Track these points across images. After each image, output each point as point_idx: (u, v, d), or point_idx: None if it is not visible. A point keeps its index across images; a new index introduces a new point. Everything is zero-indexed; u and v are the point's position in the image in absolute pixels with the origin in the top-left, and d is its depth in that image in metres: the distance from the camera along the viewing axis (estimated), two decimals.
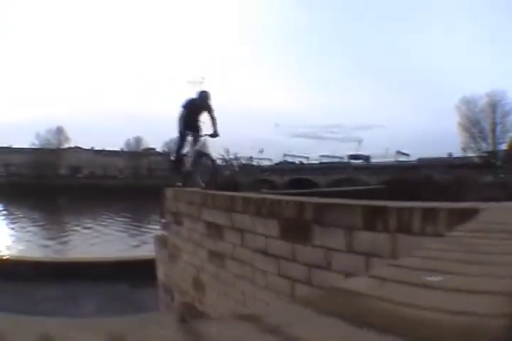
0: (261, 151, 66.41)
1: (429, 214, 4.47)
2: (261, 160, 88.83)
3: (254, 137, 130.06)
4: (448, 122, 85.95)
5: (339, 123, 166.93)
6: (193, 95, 11.59)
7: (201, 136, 11.42)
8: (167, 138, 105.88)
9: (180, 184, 11.95)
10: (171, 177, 13.63)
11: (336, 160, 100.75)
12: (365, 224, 4.99)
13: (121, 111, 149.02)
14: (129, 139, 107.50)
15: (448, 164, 76.47)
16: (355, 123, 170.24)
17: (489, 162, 72.28)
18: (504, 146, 76.71)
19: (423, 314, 1.00)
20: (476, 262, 1.64)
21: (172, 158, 13.38)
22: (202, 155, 11.10)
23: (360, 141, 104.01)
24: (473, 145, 78.62)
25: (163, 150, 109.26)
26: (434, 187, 43.01)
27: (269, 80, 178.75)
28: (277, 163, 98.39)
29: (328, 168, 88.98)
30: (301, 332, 0.86)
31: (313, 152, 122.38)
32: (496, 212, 3.99)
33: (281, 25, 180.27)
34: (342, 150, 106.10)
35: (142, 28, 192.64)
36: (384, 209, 4.96)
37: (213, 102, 11.59)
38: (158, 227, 30.34)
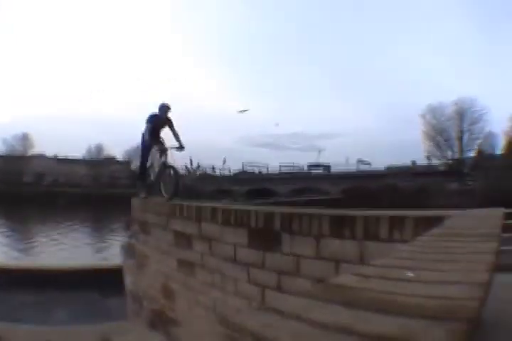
0: (224, 161, 66.86)
1: (396, 222, 4.80)
2: (222, 170, 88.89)
3: (213, 146, 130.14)
4: (413, 131, 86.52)
5: (300, 132, 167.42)
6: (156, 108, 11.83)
7: (166, 149, 11.59)
8: (127, 147, 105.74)
9: (144, 195, 12.06)
10: (136, 188, 13.66)
11: (296, 169, 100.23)
12: (332, 232, 5.25)
13: (84, 117, 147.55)
14: (90, 147, 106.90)
15: (412, 172, 76.63)
16: (317, 132, 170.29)
17: (456, 169, 72.68)
18: (472, 153, 77.79)
19: (406, 299, 1.17)
20: (447, 261, 1.85)
21: (137, 170, 13.71)
22: (166, 167, 11.31)
23: (320, 151, 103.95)
24: (438, 153, 79.28)
25: (124, 159, 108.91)
26: (397, 195, 43.78)
27: (231, 89, 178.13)
28: (236, 173, 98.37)
29: (288, 178, 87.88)
30: (316, 316, 1.03)
31: (273, 161, 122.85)
32: (458, 218, 4.32)
33: (240, 31, 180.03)
34: (303, 160, 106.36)
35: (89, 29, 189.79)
36: (351, 218, 5.26)
37: (174, 113, 12.09)
38: (121, 236, 30.35)
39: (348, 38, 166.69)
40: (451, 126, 77.32)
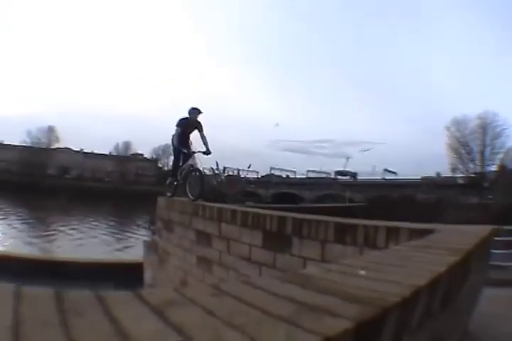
0: (249, 167, 67.09)
1: (392, 232, 5.24)
2: (248, 173, 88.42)
3: (243, 149, 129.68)
4: (439, 143, 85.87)
5: (329, 139, 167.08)
6: (186, 111, 12.21)
7: (194, 152, 12.03)
8: (156, 145, 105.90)
9: (170, 194, 12.47)
10: (164, 187, 14.05)
11: (323, 175, 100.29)
12: (336, 238, 5.76)
13: (114, 114, 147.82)
14: (118, 143, 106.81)
15: (435, 184, 76.29)
16: (345, 139, 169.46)
17: (477, 183, 72.19)
18: (493, 168, 76.87)
19: (347, 288, 1.61)
20: (399, 266, 2.32)
21: (165, 169, 14.08)
22: (193, 170, 11.71)
23: (348, 158, 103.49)
24: (460, 166, 78.65)
25: (151, 157, 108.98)
26: (414, 207, 43.35)
27: (260, 93, 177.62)
28: (264, 176, 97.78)
29: (314, 183, 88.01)
30: (277, 290, 1.51)
31: (300, 166, 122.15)
32: (446, 232, 4.64)
33: (275, 37, 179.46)
34: (330, 166, 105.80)
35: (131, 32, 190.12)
36: (353, 226, 5.74)
37: (204, 117, 12.32)
38: (143, 233, 30.64)
39: (382, 48, 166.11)
40: (474, 139, 77.00)
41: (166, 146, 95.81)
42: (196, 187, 11.25)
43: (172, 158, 13.35)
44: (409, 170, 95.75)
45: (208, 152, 11.96)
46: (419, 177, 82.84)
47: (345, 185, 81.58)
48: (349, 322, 1.25)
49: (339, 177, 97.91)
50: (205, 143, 12.04)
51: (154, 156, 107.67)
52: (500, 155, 76.56)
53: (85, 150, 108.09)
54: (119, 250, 25.97)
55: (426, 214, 23.31)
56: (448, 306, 2.92)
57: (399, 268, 2.33)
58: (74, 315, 1.07)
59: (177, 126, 11.97)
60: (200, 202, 10.22)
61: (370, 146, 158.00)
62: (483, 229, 5.15)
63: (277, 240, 6.85)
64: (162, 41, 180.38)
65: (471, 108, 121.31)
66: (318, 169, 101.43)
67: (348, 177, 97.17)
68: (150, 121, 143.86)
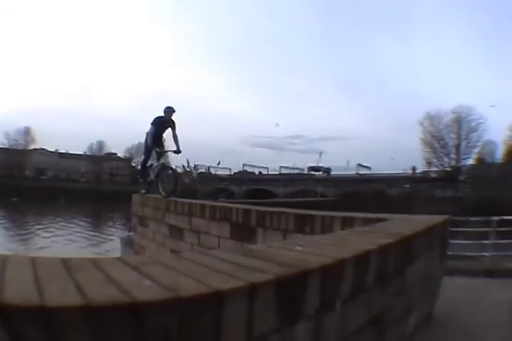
0: (218, 164, 67.19)
1: (347, 221, 5.68)
2: (220, 170, 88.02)
3: (214, 146, 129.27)
4: (414, 137, 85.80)
5: (301, 134, 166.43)
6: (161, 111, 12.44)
7: (166, 151, 12.62)
8: (129, 144, 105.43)
9: (144, 191, 12.73)
10: (136, 185, 14.48)
11: (296, 171, 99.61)
12: (296, 227, 6.27)
13: (87, 114, 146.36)
14: (92, 143, 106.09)
15: (410, 178, 76.84)
16: (318, 135, 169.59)
17: (452, 177, 72.35)
18: (469, 161, 77.54)
19: (283, 258, 2.09)
20: (334, 244, 2.83)
21: (138, 167, 14.33)
22: (166, 167, 12.20)
23: (321, 153, 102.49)
24: (435, 160, 78.74)
25: (125, 156, 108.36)
26: (385, 201, 43.72)
27: (233, 89, 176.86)
28: (236, 173, 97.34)
29: (287, 179, 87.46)
30: (225, 258, 2.03)
31: (273, 162, 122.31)
32: (396, 221, 5.03)
33: (244, 33, 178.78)
34: (303, 162, 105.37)
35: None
36: (311, 216, 6.24)
37: (177, 115, 12.57)
38: (118, 230, 30.95)
39: (351, 43, 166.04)
40: (449, 133, 77.19)
41: (139, 145, 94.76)
42: (170, 184, 11.50)
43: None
44: (383, 165, 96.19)
45: (178, 151, 12.34)
46: (395, 172, 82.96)
47: (318, 180, 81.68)
48: (272, 276, 1.75)
49: (312, 172, 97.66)
50: (176, 143, 12.41)
51: (128, 155, 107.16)
52: (477, 149, 77.26)
53: (60, 151, 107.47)
54: (94, 246, 26.27)
55: (396, 208, 23.70)
56: (386, 284, 3.26)
57: (333, 246, 2.79)
58: (77, 271, 1.55)
59: (152, 124, 12.23)
60: (172, 198, 10.54)
61: (344, 141, 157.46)
62: (435, 219, 5.40)
63: (243, 231, 7.33)
64: (131, 40, 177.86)
65: (445, 103, 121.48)
66: (291, 165, 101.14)
67: (321, 173, 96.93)
68: (121, 121, 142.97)
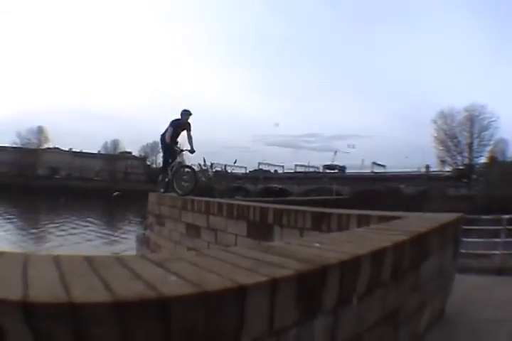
0: (234, 162, 67.21)
1: (362, 219, 5.75)
2: (236, 168, 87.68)
3: (230, 145, 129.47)
4: (427, 135, 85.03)
5: (316, 133, 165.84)
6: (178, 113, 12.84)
7: (182, 150, 12.82)
8: (144, 143, 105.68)
9: (163, 190, 13.02)
10: (153, 183, 14.65)
11: (311, 169, 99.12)
12: (313, 225, 6.32)
13: (102, 113, 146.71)
14: (106, 142, 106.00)
15: (424, 176, 76.28)
16: (333, 133, 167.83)
17: (465, 175, 72.12)
18: (481, 160, 77.16)
19: (302, 254, 2.14)
20: (351, 241, 2.87)
21: (157, 167, 14.37)
22: (183, 166, 12.51)
23: (336, 151, 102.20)
24: (448, 159, 78.50)
25: (140, 155, 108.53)
26: (400, 199, 43.60)
27: (246, 88, 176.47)
28: (252, 171, 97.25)
29: (302, 178, 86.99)
30: (247, 254, 2.08)
31: (288, 161, 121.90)
32: (410, 219, 5.08)
33: (260, 33, 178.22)
34: (318, 160, 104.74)
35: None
36: (328, 214, 6.28)
37: (192, 115, 12.96)
38: (132, 228, 31.02)
39: (363, 41, 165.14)
40: (462, 132, 76.89)
41: (154, 144, 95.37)
42: (188, 183, 11.92)
43: (161, 155, 14.26)
44: (397, 164, 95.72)
45: (192, 150, 12.80)
46: (409, 170, 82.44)
47: (333, 178, 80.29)
48: (292, 271, 1.79)
49: (327, 171, 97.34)
50: (191, 143, 12.83)
51: (143, 154, 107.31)
52: (489, 147, 76.80)
53: (74, 150, 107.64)
54: (109, 245, 26.30)
55: (411, 206, 23.65)
56: (401, 280, 3.28)
57: (350, 243, 2.83)
58: (102, 268, 1.59)
59: (170, 126, 12.62)
60: (189, 197, 10.57)
61: (359, 140, 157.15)
62: (448, 216, 5.35)
63: (260, 229, 7.37)
64: (144, 40, 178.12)
65: (458, 101, 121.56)
66: (306, 163, 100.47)
67: (336, 171, 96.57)
68: (138, 119, 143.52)
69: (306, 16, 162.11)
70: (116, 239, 29.15)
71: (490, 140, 76.09)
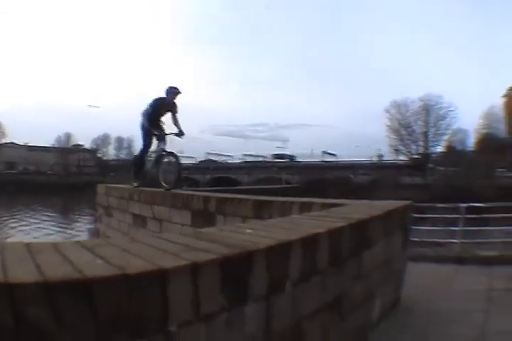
0: (180, 152, 67.24)
1: (305, 206, 5.84)
2: (184, 159, 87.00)
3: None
4: (380, 124, 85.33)
5: (265, 122, 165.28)
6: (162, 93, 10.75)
7: (166, 134, 10.69)
8: (95, 135, 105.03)
9: (137, 184, 11.05)
10: (104, 176, 14.01)
11: (261, 159, 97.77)
12: (254, 213, 6.41)
13: (55, 106, 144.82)
14: (59, 136, 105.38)
15: (376, 165, 76.74)
16: (283, 122, 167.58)
17: (421, 164, 72.33)
18: (437, 149, 78.26)
19: (232, 240, 2.33)
20: (285, 228, 3.03)
21: (104, 159, 12.67)
22: (166, 154, 10.49)
23: (285, 141, 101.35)
24: (402, 148, 79.04)
25: (92, 147, 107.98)
26: (349, 187, 44.05)
27: (195, 77, 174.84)
28: (201, 161, 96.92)
29: (252, 167, 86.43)
30: (177, 240, 2.30)
31: (237, 151, 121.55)
32: (353, 206, 5.29)
33: (209, 24, 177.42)
34: (267, 150, 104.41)
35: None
36: (269, 202, 6.46)
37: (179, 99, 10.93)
38: (86, 221, 31.02)
39: (325, 32, 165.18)
40: (417, 121, 77.65)
41: (105, 136, 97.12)
42: (171, 174, 10.17)
43: (113, 146, 12.80)
44: (350, 153, 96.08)
45: (181, 133, 10.72)
46: (361, 160, 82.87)
47: (282, 168, 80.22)
48: (216, 256, 1.94)
49: (276, 160, 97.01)
50: (178, 125, 10.75)
51: (94, 146, 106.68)
52: (446, 137, 77.96)
53: (30, 144, 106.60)
54: (65, 238, 26.20)
55: (361, 194, 23.89)
56: (341, 267, 3.43)
57: (283, 229, 2.99)
58: (39, 254, 1.76)
59: (151, 105, 10.60)
60: (177, 190, 9.44)
61: (310, 129, 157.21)
62: (394, 204, 5.61)
63: (203, 218, 7.44)
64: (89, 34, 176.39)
65: (413, 91, 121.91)
66: (255, 153, 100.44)
67: (285, 161, 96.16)
68: (90, 112, 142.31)
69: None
70: (71, 232, 29.10)
71: (447, 129, 77.23)
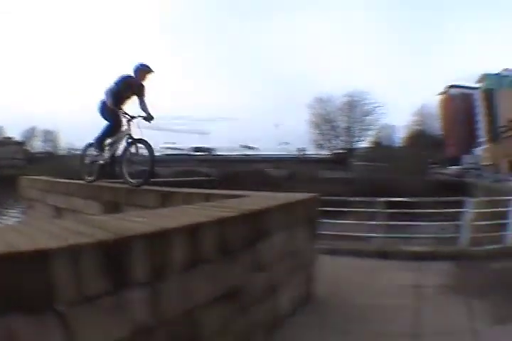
0: (90, 145, 65.80)
1: (210, 197, 6.15)
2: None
3: (93, 126, 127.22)
4: (304, 119, 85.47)
5: (185, 115, 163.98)
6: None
7: (133, 117, 8.66)
8: (26, 127, 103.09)
9: (91, 178, 9.32)
10: (29, 169, 12.52)
11: (179, 152, 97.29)
12: (160, 203, 6.74)
13: None
14: None
15: (298, 159, 77.42)
16: (204, 116, 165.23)
17: (344, 159, 73.26)
18: (362, 144, 79.51)
19: (118, 227, 2.61)
20: (175, 216, 3.34)
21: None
22: (133, 141, 8.54)
23: (204, 133, 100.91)
24: (326, 143, 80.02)
25: (21, 140, 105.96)
26: (266, 180, 44.08)
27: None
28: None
29: (170, 160, 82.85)
30: (69, 226, 2.63)
31: (157, 143, 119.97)
32: (251, 197, 5.56)
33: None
34: (187, 142, 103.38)
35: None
36: (174, 193, 6.92)
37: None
38: (13, 213, 30.75)
39: (245, 27, 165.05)
40: (340, 116, 78.46)
41: (32, 128, 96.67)
42: (142, 166, 8.40)
43: (40, 138, 11.38)
44: (274, 146, 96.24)
45: (150, 117, 8.75)
46: (283, 153, 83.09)
47: (203, 160, 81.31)
48: (94, 240, 2.22)
49: (196, 153, 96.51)
50: (146, 109, 8.83)
51: (24, 139, 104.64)
52: (371, 132, 79.46)
53: None
54: None
55: (278, 187, 24.26)
56: (233, 258, 3.63)
57: (170, 218, 3.27)
58: None
59: (115, 83, 8.73)
60: (144, 187, 8.01)
61: (231, 122, 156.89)
62: (296, 197, 5.84)
63: (112, 209, 7.60)
64: None
65: (339, 86, 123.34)
66: (175, 145, 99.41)
67: (205, 153, 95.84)
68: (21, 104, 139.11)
69: None
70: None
71: (372, 125, 78.70)
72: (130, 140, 8.52)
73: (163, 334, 2.76)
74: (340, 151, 78.36)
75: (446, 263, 8.15)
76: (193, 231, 3.00)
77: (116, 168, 8.68)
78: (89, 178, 9.26)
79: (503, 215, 9.79)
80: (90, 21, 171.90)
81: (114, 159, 8.89)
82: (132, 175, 8.35)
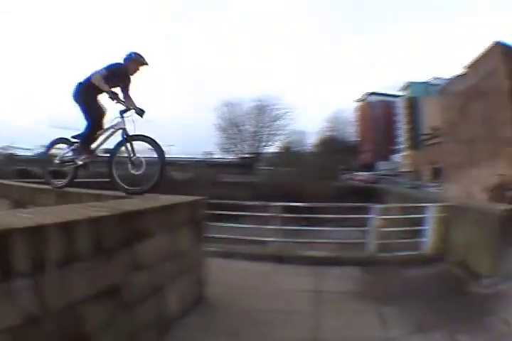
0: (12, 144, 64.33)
1: (100, 198, 6.34)
2: (19, 150, 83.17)
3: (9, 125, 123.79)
4: (210, 122, 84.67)
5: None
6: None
7: (129, 108, 7.15)
8: None
9: (61, 183, 7.86)
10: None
11: None
12: (56, 202, 6.93)
13: None
14: None
15: (203, 163, 75.34)
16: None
17: (250, 163, 72.38)
18: (270, 148, 79.01)
19: (11, 222, 2.75)
20: (52, 214, 3.44)
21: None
22: (129, 138, 7.15)
23: None
24: (232, 146, 78.90)
25: None
26: (168, 184, 43.93)
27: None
28: (40, 154, 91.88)
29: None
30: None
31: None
32: (132, 200, 5.61)
33: None
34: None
35: None
36: (68, 193, 7.16)
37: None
38: None
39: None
40: (248, 120, 77.96)
41: None
42: (149, 170, 7.00)
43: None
44: (179, 150, 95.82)
45: (141, 110, 7.27)
46: (186, 156, 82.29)
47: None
48: None
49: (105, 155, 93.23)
50: (132, 103, 7.33)
51: None
52: (280, 137, 78.92)
53: None
54: None
55: (176, 190, 24.87)
56: (110, 257, 3.71)
57: (54, 215, 3.34)
58: None
59: (104, 68, 7.14)
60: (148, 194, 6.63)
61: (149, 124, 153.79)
62: (179, 199, 5.92)
63: (19, 207, 7.88)
64: None
65: (248, 91, 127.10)
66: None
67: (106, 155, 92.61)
68: None
69: None
70: None
71: (281, 130, 78.36)
72: (127, 136, 7.09)
73: (49, 325, 2.93)
74: (247, 156, 77.70)
75: (351, 268, 8.42)
76: (67, 227, 3.10)
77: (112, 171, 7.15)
78: (58, 183, 7.85)
79: (418, 222, 9.98)
80: (90, 21, 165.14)
81: (109, 159, 7.30)
82: (128, 180, 7.12)
